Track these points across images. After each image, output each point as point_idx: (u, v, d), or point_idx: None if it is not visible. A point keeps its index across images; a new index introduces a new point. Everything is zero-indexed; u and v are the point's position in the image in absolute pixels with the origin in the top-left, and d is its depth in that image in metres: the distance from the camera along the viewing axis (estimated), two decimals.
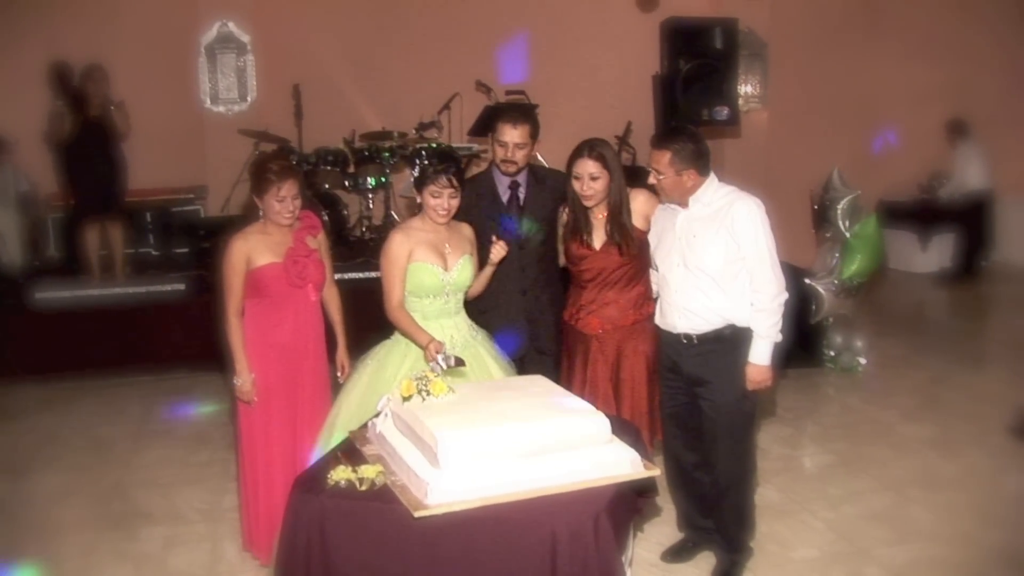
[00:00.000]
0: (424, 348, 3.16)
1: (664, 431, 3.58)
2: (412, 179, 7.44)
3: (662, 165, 3.28)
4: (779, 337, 3.31)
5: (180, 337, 6.33)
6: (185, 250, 7.67)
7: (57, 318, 6.28)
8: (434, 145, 6.99)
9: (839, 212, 6.05)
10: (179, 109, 8.14)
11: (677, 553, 3.71)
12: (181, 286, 6.63)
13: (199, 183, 8.15)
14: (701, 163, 3.29)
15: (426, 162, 3.30)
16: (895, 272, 9.24)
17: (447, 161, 3.36)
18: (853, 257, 5.93)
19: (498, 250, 3.48)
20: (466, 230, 3.54)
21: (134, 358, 6.33)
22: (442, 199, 3.33)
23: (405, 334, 3.34)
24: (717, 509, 3.57)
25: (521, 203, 3.83)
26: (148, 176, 7.17)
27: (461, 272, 3.42)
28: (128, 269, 6.89)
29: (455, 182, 3.32)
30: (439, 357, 2.91)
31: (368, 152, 7.30)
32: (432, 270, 3.35)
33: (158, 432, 5.32)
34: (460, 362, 2.94)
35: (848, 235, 5.98)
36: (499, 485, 2.41)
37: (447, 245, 3.41)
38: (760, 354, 3.30)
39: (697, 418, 3.49)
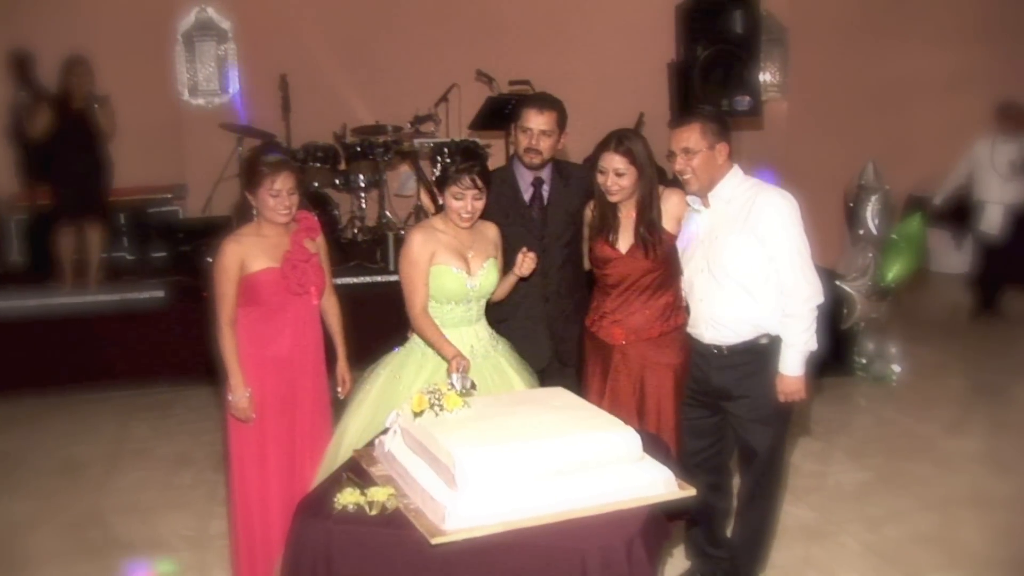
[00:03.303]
0: (448, 361, 3.13)
1: (680, 447, 3.53)
2: (408, 176, 7.44)
3: (693, 140, 3.22)
4: (813, 346, 3.25)
5: (159, 348, 6.29)
6: (163, 254, 7.64)
7: (22, 328, 6.22)
8: (431, 143, 6.96)
9: (869, 209, 6.04)
10: (154, 102, 8.09)
11: None
12: (160, 293, 6.59)
13: (177, 182, 8.11)
14: (730, 138, 3.26)
15: (448, 160, 3.24)
16: (928, 273, 9.20)
17: (471, 159, 3.30)
18: (895, 259, 5.91)
19: (528, 263, 3.43)
20: (490, 231, 3.49)
21: (108, 372, 6.28)
22: (465, 201, 3.27)
23: (429, 343, 3.29)
24: (733, 532, 3.54)
25: (545, 201, 3.79)
26: (122, 174, 7.09)
27: (486, 277, 3.38)
28: (100, 275, 6.84)
29: (479, 182, 3.26)
30: (455, 377, 2.87)
31: (360, 148, 7.27)
32: (456, 275, 3.30)
33: (136, 452, 5.27)
34: (474, 387, 2.91)
35: (885, 235, 5.96)
36: (523, 508, 2.37)
37: (470, 249, 3.37)
38: (791, 364, 3.24)
39: (718, 435, 3.45)
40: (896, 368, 6.22)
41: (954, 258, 9.48)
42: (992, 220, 7.90)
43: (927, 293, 8.66)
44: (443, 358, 3.20)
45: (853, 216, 6.22)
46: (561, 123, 3.70)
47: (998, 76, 9.14)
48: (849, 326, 6.13)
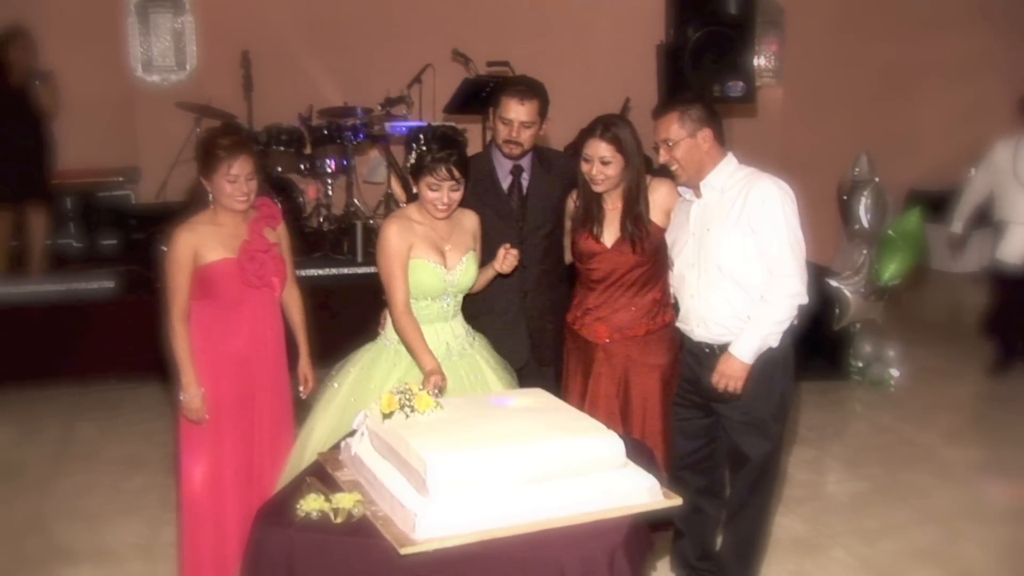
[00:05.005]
0: (425, 375, 3.12)
1: (671, 448, 3.55)
2: (378, 162, 7.43)
3: (672, 130, 3.25)
4: (774, 342, 3.24)
5: (108, 343, 6.24)
6: (113, 242, 7.62)
7: None
8: (403, 127, 6.94)
9: (862, 203, 6.08)
10: (105, 78, 8.01)
11: None
12: (109, 284, 6.56)
13: (130, 164, 8.05)
14: (715, 124, 3.28)
15: (423, 147, 3.23)
16: (929, 272, 9.27)
17: (449, 147, 3.25)
18: (893, 256, 5.95)
19: (510, 260, 3.43)
20: (468, 221, 3.47)
21: (52, 368, 6.23)
22: (441, 192, 3.25)
23: (407, 347, 3.28)
24: (721, 544, 3.58)
25: (524, 190, 3.80)
26: (70, 156, 7.07)
27: (465, 272, 3.37)
28: (45, 263, 6.78)
29: (457, 173, 3.23)
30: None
31: (327, 131, 7.26)
32: (433, 269, 3.29)
33: (82, 454, 5.24)
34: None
35: (879, 230, 6.00)
36: (498, 517, 2.37)
37: (448, 241, 3.36)
38: (744, 348, 3.21)
39: (710, 437, 3.47)
40: (894, 372, 6.26)
41: (956, 257, 9.54)
42: (1015, 247, 6.42)
43: (927, 293, 8.73)
44: (420, 367, 3.19)
45: (847, 210, 6.25)
46: (543, 111, 3.69)
47: (1007, 64, 9.18)
48: (843, 327, 6.17)
